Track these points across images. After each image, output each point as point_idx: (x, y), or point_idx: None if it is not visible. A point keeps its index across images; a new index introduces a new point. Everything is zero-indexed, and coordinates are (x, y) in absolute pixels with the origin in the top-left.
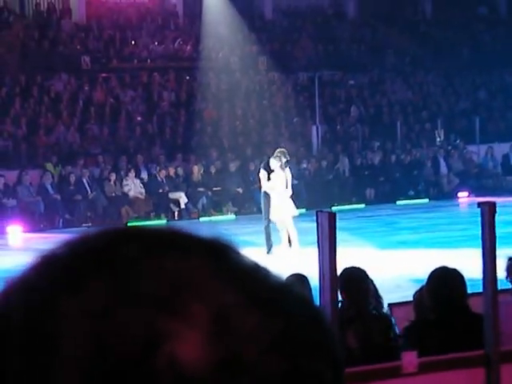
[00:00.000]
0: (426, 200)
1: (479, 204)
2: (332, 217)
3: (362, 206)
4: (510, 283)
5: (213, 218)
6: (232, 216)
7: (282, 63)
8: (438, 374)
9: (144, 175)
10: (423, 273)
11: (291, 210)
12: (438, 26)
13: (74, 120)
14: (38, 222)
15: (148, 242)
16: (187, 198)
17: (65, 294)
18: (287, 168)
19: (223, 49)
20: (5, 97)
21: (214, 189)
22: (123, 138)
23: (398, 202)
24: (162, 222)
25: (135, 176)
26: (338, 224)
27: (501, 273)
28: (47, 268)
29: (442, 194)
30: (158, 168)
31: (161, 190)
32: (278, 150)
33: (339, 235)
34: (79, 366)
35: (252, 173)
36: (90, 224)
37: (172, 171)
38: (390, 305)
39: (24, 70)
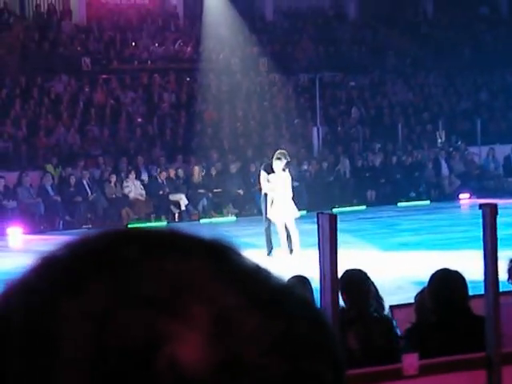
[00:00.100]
0: (428, 202)
1: (481, 206)
2: (333, 218)
3: (363, 207)
4: (511, 285)
5: (213, 220)
6: (233, 218)
7: (282, 64)
8: (439, 377)
9: (144, 177)
10: (424, 275)
11: (292, 211)
12: (439, 26)
13: (75, 121)
14: (38, 223)
15: (148, 244)
16: (188, 199)
17: (65, 296)
18: (287, 169)
19: (224, 50)
20: (5, 98)
21: (215, 190)
22: (123, 139)
23: (399, 204)
24: (163, 223)
25: (135, 177)
26: (339, 226)
27: (502, 275)
28: (47, 270)
29: (444, 196)
30: (158, 169)
31: (161, 192)
32: (279, 151)
33: (340, 237)
34: (79, 368)
35: (253, 174)
36: (90, 226)
37: (172, 173)
38: (391, 307)
39: (24, 71)
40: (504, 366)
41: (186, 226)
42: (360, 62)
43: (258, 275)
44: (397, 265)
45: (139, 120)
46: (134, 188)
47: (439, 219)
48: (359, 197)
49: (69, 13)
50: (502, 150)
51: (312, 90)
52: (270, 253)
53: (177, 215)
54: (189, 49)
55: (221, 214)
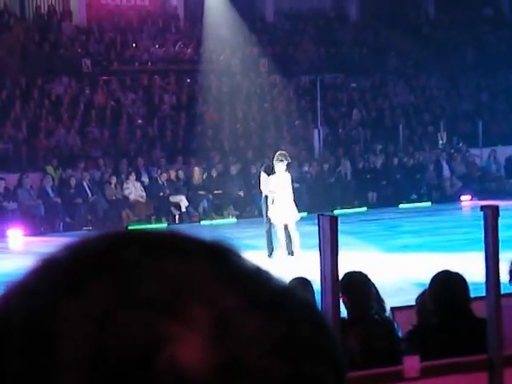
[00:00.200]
0: (429, 203)
1: (482, 207)
2: (334, 220)
3: (364, 209)
4: None
5: (214, 222)
6: (233, 219)
7: (283, 66)
8: (440, 379)
9: (145, 178)
10: (426, 276)
11: (293, 213)
12: (441, 27)
13: (75, 123)
14: (39, 225)
15: (149, 246)
16: (188, 201)
17: (65, 298)
18: (288, 171)
19: (224, 51)
20: (5, 100)
21: (215, 192)
22: (124, 141)
23: (401, 206)
24: (163, 225)
25: (136, 179)
26: (340, 227)
27: (504, 276)
28: (48, 271)
29: (445, 198)
30: (158, 171)
31: (161, 194)
32: (279, 152)
33: (341, 239)
34: (79, 369)
35: (253, 176)
36: (90, 227)
37: (173, 174)
38: (392, 309)
39: (24, 72)
40: (506, 368)
41: (186, 228)
42: (361, 63)
43: (259, 277)
44: (398, 267)
45: (139, 121)
46: (134, 190)
47: (440, 221)
48: (360, 198)
49: (69, 14)
50: (503, 152)
51: (313, 91)
52: (270, 255)
53: (177, 217)
54: (189, 50)
55: (221, 215)
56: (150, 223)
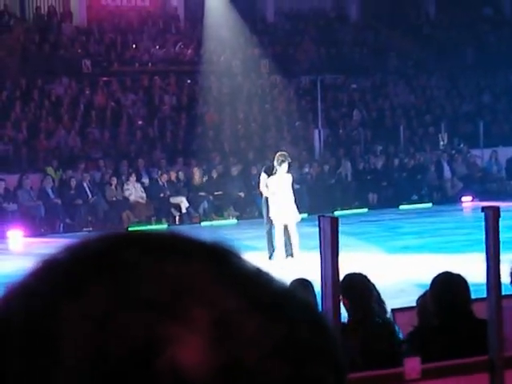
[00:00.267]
0: (430, 204)
1: (483, 208)
2: (334, 221)
3: (365, 210)
4: None
5: (214, 223)
6: (234, 220)
7: (284, 66)
8: (441, 380)
9: (145, 179)
10: (427, 278)
11: (294, 215)
12: (442, 27)
13: (75, 124)
14: (39, 226)
15: (149, 247)
16: (188, 202)
17: (65, 299)
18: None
19: (225, 52)
20: (5, 101)
21: (216, 193)
22: (124, 142)
23: (401, 207)
24: (163, 226)
25: (136, 180)
26: (341, 229)
27: (505, 278)
28: (48, 273)
29: (446, 199)
30: (159, 172)
31: (162, 195)
32: (279, 153)
33: (342, 240)
34: (79, 370)
35: (254, 177)
36: (90, 228)
37: (173, 175)
38: (393, 310)
39: (25, 73)
40: (506, 369)
41: (186, 229)
42: (362, 63)
43: (259, 278)
44: (399, 268)
45: (140, 122)
46: (134, 191)
47: (441, 222)
48: (361, 200)
49: (69, 15)
50: (504, 153)
51: (313, 92)
52: (271, 256)
53: (177, 218)
54: (190, 51)
55: (222, 216)
56: (151, 224)
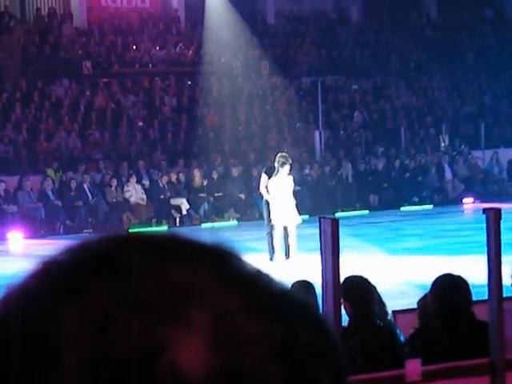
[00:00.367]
0: (431, 206)
1: (484, 210)
2: (335, 223)
3: (366, 212)
4: None
5: (215, 225)
6: (234, 222)
7: (284, 68)
8: (442, 383)
9: (145, 181)
10: (428, 279)
11: (294, 216)
12: (443, 29)
13: (75, 125)
14: (39, 228)
15: (149, 249)
16: (189, 203)
17: (65, 300)
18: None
19: (225, 53)
20: (5, 102)
21: (216, 195)
22: (124, 143)
23: (402, 209)
24: (164, 228)
25: (136, 182)
26: (342, 230)
27: (506, 280)
28: (48, 274)
29: (447, 200)
30: (159, 174)
31: (162, 196)
32: (280, 154)
33: (343, 242)
34: (79, 372)
35: (255, 178)
36: (90, 230)
37: (174, 177)
38: (393, 312)
39: (25, 75)
40: (508, 371)
41: (187, 231)
42: (363, 65)
43: (259, 280)
44: (400, 270)
45: (140, 124)
46: (134, 192)
47: (442, 224)
48: (362, 201)
49: (69, 16)
50: (506, 154)
51: (314, 93)
52: (272, 258)
53: (178, 220)
54: (190, 52)
55: (222, 218)
56: (151, 226)
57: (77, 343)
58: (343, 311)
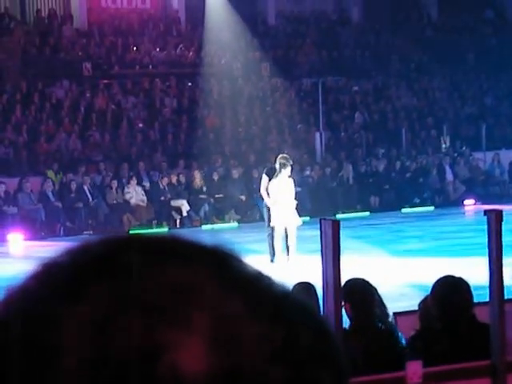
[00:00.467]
0: (432, 208)
1: (485, 212)
2: (336, 225)
3: (367, 213)
4: None
5: (215, 226)
6: (235, 224)
7: (285, 69)
8: None
9: (146, 182)
10: (429, 281)
11: (295, 218)
12: (444, 30)
13: (76, 127)
14: (39, 229)
15: (149, 250)
16: (189, 205)
17: (65, 302)
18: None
19: (226, 55)
20: (6, 104)
21: (217, 196)
22: (125, 145)
23: (403, 210)
24: (164, 229)
25: (137, 183)
26: (342, 232)
27: (507, 281)
28: (48, 276)
29: (448, 202)
30: (159, 175)
31: (163, 198)
32: (281, 155)
33: (343, 243)
34: (79, 373)
35: (255, 180)
36: (91, 232)
37: (174, 178)
38: (394, 314)
39: (25, 76)
40: (509, 374)
41: (187, 233)
42: (363, 66)
43: (260, 282)
44: (401, 271)
45: (140, 125)
46: (135, 194)
47: (443, 225)
48: (363, 203)
49: (70, 17)
50: (507, 156)
51: (315, 94)
52: (272, 259)
53: (178, 221)
54: (190, 53)
55: (223, 219)
56: (151, 228)
57: (77, 345)
58: (344, 313)
